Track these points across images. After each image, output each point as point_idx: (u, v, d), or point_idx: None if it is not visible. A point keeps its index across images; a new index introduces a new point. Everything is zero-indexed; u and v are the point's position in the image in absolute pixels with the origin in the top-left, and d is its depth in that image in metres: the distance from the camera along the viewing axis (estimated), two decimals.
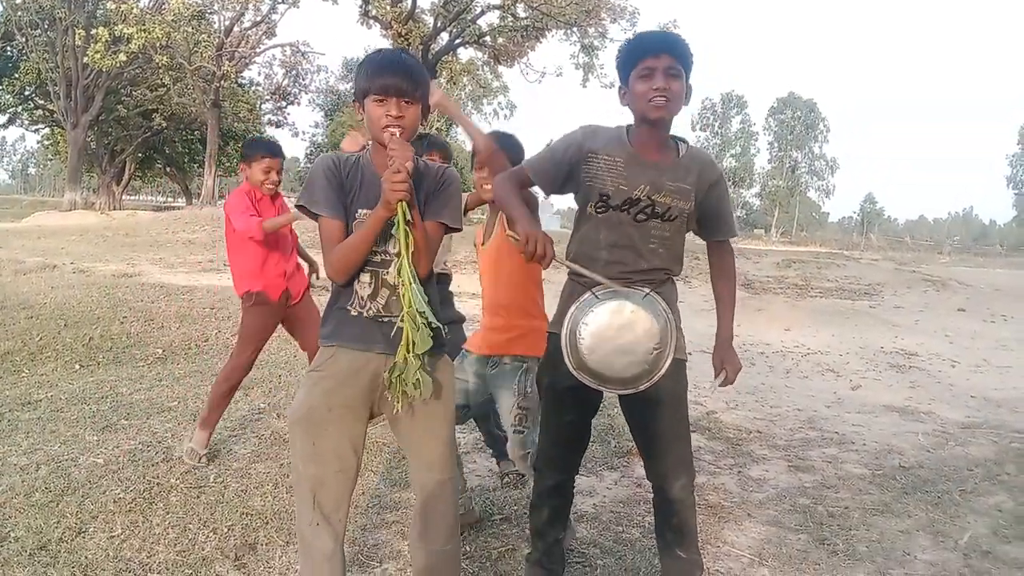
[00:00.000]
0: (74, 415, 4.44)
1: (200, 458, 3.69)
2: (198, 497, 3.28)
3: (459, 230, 2.19)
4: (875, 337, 8.96)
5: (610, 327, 2.26)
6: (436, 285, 2.54)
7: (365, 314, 2.04)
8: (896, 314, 10.61)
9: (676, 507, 2.38)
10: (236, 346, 3.83)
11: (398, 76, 1.97)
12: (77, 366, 5.88)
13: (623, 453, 4.14)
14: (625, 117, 2.39)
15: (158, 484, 3.39)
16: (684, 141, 2.39)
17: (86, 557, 2.74)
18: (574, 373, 2.30)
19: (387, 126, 1.97)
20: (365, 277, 2.04)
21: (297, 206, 2.15)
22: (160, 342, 6.61)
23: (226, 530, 2.99)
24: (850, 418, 5.35)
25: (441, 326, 2.01)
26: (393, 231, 1.96)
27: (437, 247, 2.12)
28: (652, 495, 2.48)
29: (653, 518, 2.52)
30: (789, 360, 7.61)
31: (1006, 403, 6.03)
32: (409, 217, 1.94)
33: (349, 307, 2.06)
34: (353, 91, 2.11)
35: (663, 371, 2.26)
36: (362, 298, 2.04)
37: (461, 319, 3.75)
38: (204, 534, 2.95)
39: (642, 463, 2.55)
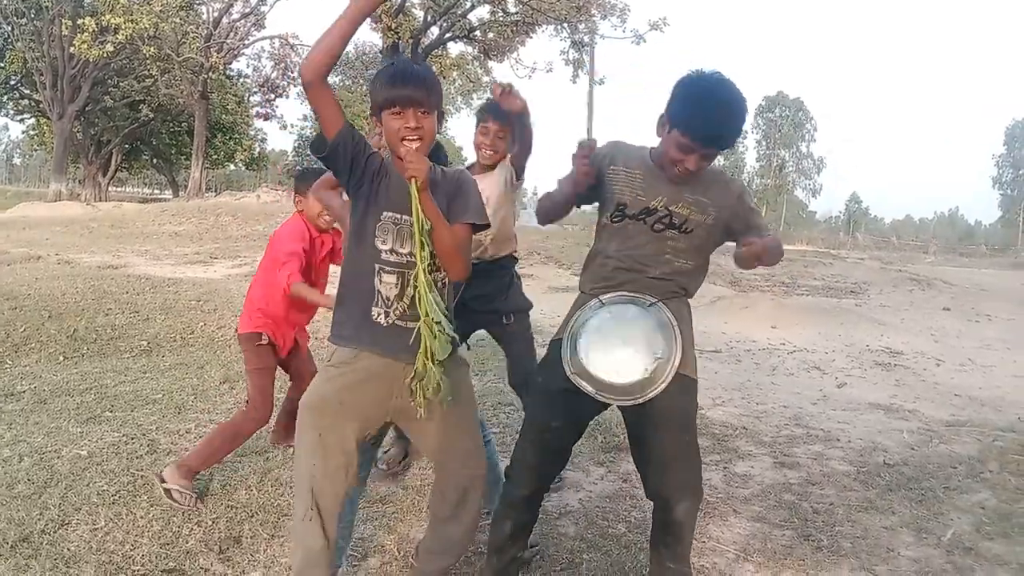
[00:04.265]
0: (58, 407, 4.40)
1: (192, 498, 3.11)
2: None
3: (488, 225, 2.21)
4: (861, 335, 9.00)
5: (612, 332, 2.24)
6: (497, 272, 2.89)
7: (386, 322, 2.06)
8: (882, 313, 10.67)
9: (674, 528, 2.34)
10: (250, 396, 3.35)
11: (412, 87, 2.01)
12: (61, 357, 5.84)
13: (610, 448, 4.14)
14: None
15: (142, 476, 3.36)
16: None
17: (69, 549, 2.71)
18: (572, 378, 2.26)
19: (404, 138, 2.01)
20: (390, 278, 2.06)
21: (311, 147, 2.12)
22: (145, 334, 6.55)
23: (211, 523, 2.98)
24: (835, 415, 5.37)
25: (456, 336, 2.05)
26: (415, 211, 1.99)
27: (469, 248, 2.16)
28: (653, 509, 2.43)
29: (651, 530, 2.48)
30: (775, 357, 7.63)
31: (990, 402, 6.08)
32: (426, 223, 1.98)
33: (373, 313, 2.06)
34: (368, 106, 2.17)
35: (665, 383, 2.21)
36: (388, 299, 2.06)
37: (527, 306, 3.33)
38: (188, 527, 2.94)
39: (629, 458, 2.53)
